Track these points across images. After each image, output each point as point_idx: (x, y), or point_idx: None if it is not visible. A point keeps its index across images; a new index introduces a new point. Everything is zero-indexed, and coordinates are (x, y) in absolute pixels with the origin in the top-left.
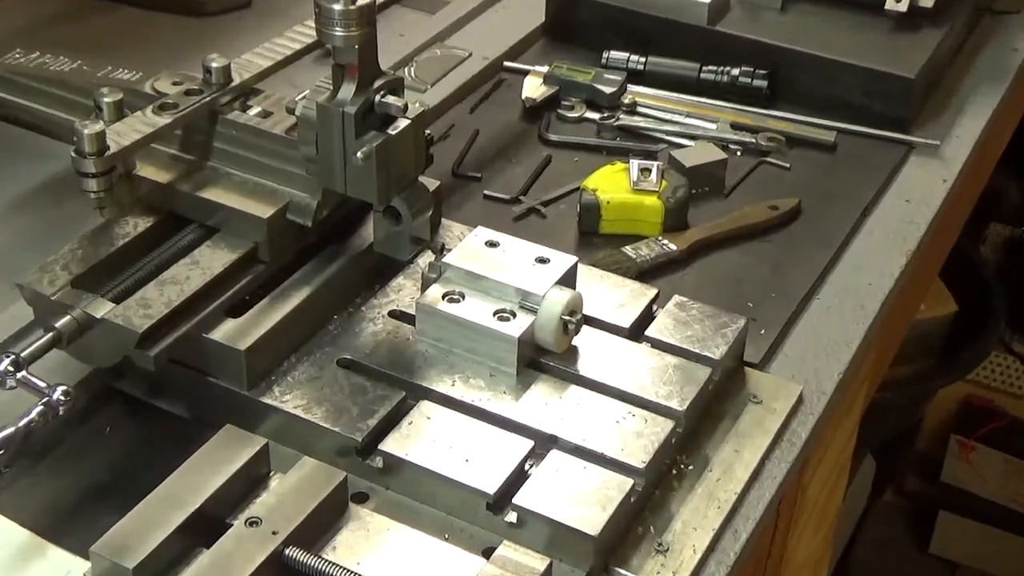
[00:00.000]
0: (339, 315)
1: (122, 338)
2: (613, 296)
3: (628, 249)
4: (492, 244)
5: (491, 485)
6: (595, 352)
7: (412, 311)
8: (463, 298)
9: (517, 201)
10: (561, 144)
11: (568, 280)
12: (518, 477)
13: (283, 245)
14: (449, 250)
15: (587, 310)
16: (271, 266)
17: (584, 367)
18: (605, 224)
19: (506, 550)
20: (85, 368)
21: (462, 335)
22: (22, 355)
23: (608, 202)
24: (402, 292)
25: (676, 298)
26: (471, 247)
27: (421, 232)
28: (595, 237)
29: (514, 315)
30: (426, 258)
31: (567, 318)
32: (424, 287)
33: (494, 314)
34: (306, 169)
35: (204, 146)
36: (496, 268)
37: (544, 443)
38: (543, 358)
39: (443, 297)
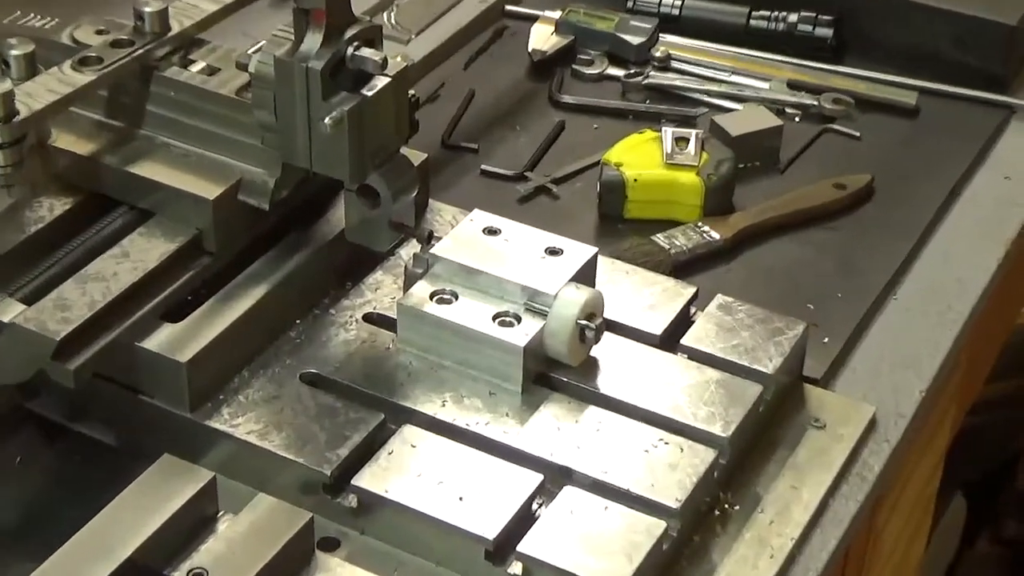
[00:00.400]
0: (303, 319)
1: (35, 348)
2: (641, 296)
3: (660, 238)
4: (492, 231)
5: (490, 529)
6: (619, 365)
7: (393, 314)
8: (456, 298)
9: (522, 178)
10: (577, 107)
11: (586, 276)
12: (524, 519)
13: (233, 233)
14: (438, 238)
15: (609, 313)
16: (219, 259)
17: (605, 383)
18: (632, 207)
19: None
20: None
21: (455, 344)
22: None
23: (635, 180)
24: (380, 291)
25: (719, 298)
26: (466, 235)
27: (404, 216)
28: (619, 223)
29: (518, 319)
30: (410, 249)
31: (584, 323)
32: (407, 285)
33: (494, 318)
34: (261, 139)
35: (135, 110)
36: (496, 261)
37: (556, 477)
38: (554, 372)
39: (431, 297)
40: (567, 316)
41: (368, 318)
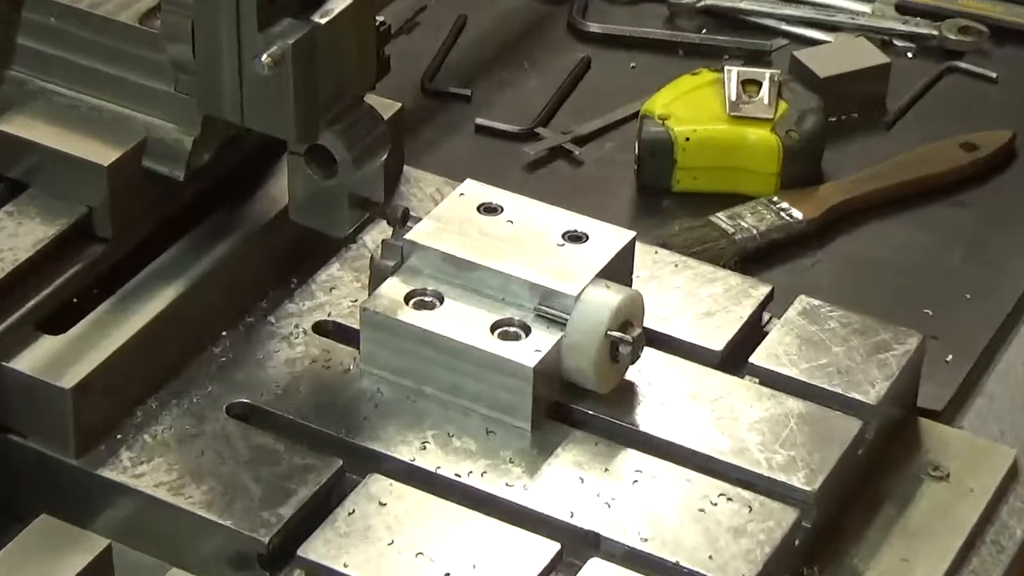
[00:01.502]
0: (230, 331)
1: None
2: (696, 298)
3: (721, 218)
4: (490, 209)
5: None
6: (664, 393)
7: (354, 323)
8: (440, 301)
9: (532, 136)
10: (607, 39)
11: (619, 271)
12: None
13: (135, 212)
14: (417, 219)
15: (650, 322)
16: (115, 248)
17: (646, 418)
18: (682, 176)
19: None
20: None
21: (439, 364)
22: None
23: (687, 138)
24: (336, 291)
25: (803, 300)
26: (455, 214)
27: (369, 189)
28: (665, 197)
29: (527, 330)
30: (378, 233)
31: (617, 336)
32: (374, 283)
33: (493, 329)
34: (175, 83)
35: (2, 44)
36: (497, 250)
37: (578, 546)
38: (576, 403)
39: (407, 300)
40: (594, 326)
41: (320, 328)
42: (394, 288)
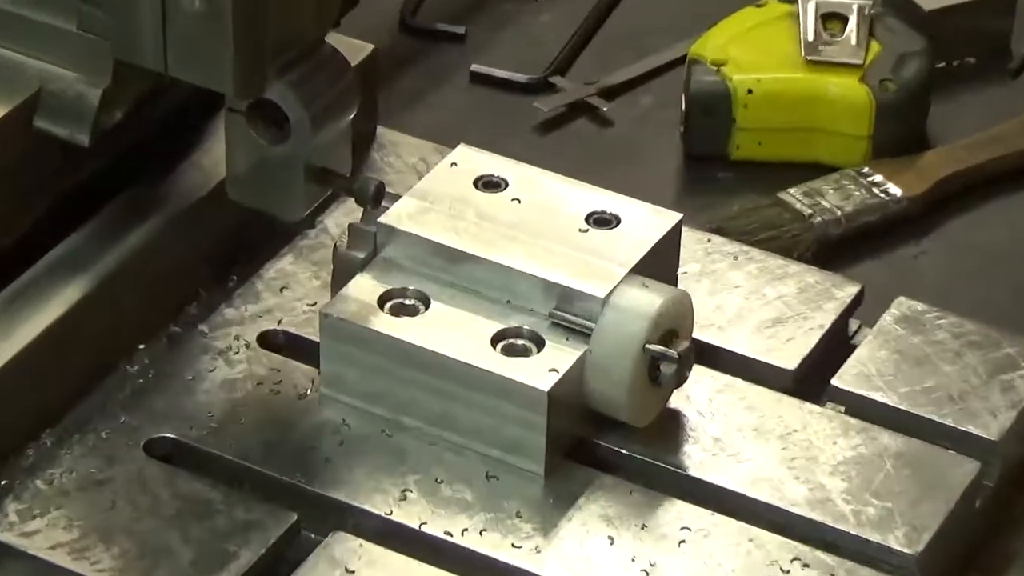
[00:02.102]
0: (149, 344)
1: None
2: (762, 300)
3: (795, 195)
4: (491, 184)
5: None
6: (720, 426)
7: (312, 334)
8: (426, 305)
9: (545, 87)
10: None
11: (661, 265)
12: None
13: (23, 190)
14: (395, 197)
15: (703, 332)
16: None
17: (696, 458)
18: (743, 140)
19: None
20: None
21: (424, 388)
22: None
23: (750, 90)
24: (289, 292)
25: (902, 304)
26: (445, 191)
27: (331, 158)
28: (721, 168)
29: (539, 343)
30: (342, 215)
31: (658, 350)
32: (339, 280)
33: (496, 341)
34: (78, 20)
35: None
36: (500, 238)
37: None
38: (604, 439)
39: (382, 303)
40: (628, 338)
41: (268, 341)
42: (365, 288)
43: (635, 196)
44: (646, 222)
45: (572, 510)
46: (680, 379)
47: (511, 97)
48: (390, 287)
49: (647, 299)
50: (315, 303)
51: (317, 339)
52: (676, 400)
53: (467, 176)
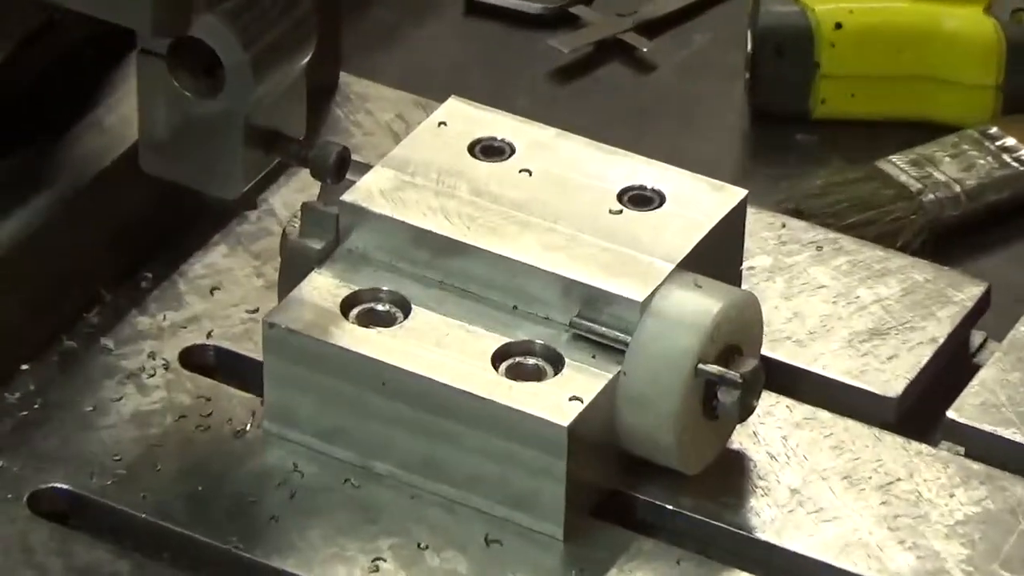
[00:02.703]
0: (35, 362)
1: None
2: (855, 305)
3: (899, 164)
4: (492, 149)
5: None
6: (799, 472)
7: (252, 350)
8: (404, 312)
9: (565, 19)
10: None
11: (719, 257)
12: None
13: None
14: (365, 166)
15: (775, 347)
16: None
17: (766, 517)
18: (830, 90)
19: None
20: None
21: (401, 423)
22: None
23: (839, 24)
24: (223, 293)
25: None
26: (430, 158)
27: (279, 116)
28: (799, 127)
29: (556, 362)
30: (293, 192)
31: (714, 371)
32: (288, 278)
33: (499, 360)
34: None
35: None
36: (503, 224)
37: None
38: (643, 490)
39: (346, 309)
40: (675, 356)
41: (193, 359)
42: (324, 289)
43: (685, 166)
44: (699, 201)
45: None
46: (745, 411)
47: (519, 33)
48: (357, 288)
49: (701, 304)
50: (256, 309)
51: (259, 357)
52: (739, 438)
53: (460, 139)
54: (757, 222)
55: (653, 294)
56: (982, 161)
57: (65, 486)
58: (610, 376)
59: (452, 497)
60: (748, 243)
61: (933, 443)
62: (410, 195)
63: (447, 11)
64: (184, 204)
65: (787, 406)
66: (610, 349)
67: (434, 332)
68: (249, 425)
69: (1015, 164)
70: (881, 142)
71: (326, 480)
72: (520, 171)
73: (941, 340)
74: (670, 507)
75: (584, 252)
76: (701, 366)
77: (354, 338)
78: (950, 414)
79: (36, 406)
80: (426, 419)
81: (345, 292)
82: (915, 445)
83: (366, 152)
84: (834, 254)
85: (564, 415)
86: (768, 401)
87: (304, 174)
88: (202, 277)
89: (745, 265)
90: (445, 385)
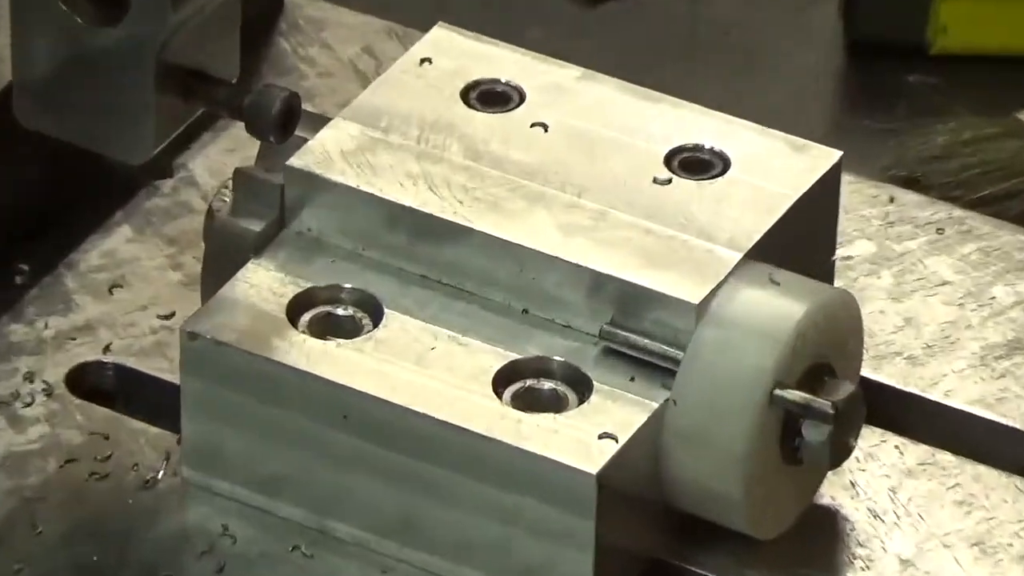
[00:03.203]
0: None
1: None
2: (988, 310)
3: None
4: (492, 96)
5: None
6: (916, 538)
7: (162, 371)
8: (374, 317)
9: None
10: None
11: (804, 245)
12: None
13: None
14: (321, 118)
15: (881, 366)
16: None
17: None
18: (952, 15)
19: None
20: None
21: (371, 471)
22: None
23: None
24: (125, 292)
25: None
26: (409, 107)
27: (203, 52)
28: (913, 68)
29: (581, 386)
30: (218, 153)
31: (795, 399)
32: (214, 271)
33: (502, 382)
34: None
35: None
36: (508, 197)
37: None
38: (697, 561)
39: (294, 313)
40: (743, 378)
41: (85, 382)
42: (265, 285)
43: (758, 118)
44: (776, 167)
45: None
46: (838, 453)
47: None
48: (310, 285)
49: (779, 307)
50: (172, 314)
51: (176, 380)
52: (831, 490)
53: (450, 82)
54: (855, 195)
55: (713, 294)
56: None
57: None
58: (654, 406)
59: (438, 571)
60: (843, 224)
61: None
62: (382, 158)
63: None
64: (74, 171)
65: (896, 446)
66: (654, 369)
67: (414, 345)
68: (162, 472)
69: None
70: (1020, 88)
71: (267, 546)
72: (532, 125)
73: None
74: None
75: (619, 236)
76: (779, 392)
77: (306, 353)
78: None
79: None
80: (403, 465)
81: (293, 290)
82: None
83: (322, 100)
84: (961, 239)
85: (592, 459)
86: (870, 440)
87: (237, 130)
88: (98, 270)
89: (839, 254)
90: (429, 418)
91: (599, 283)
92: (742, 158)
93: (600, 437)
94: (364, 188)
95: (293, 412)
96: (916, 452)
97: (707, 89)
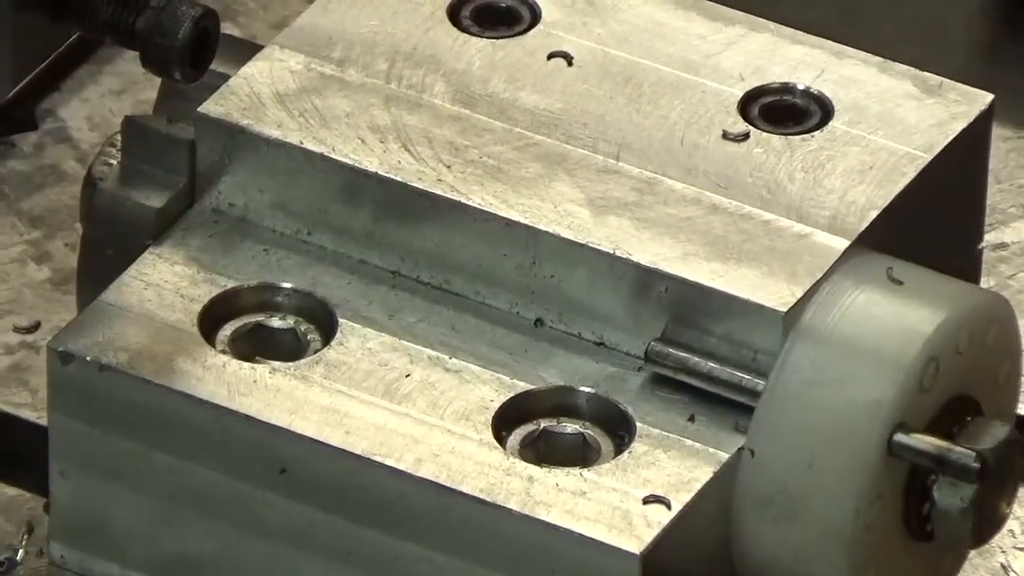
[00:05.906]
0: None
1: None
2: None
3: None
4: (493, 13)
5: None
6: None
7: (18, 406)
8: (323, 333)
9: None
10: None
11: (939, 228)
12: None
13: None
14: (252, 49)
15: None
16: None
17: None
18: None
19: None
20: None
21: (316, 546)
22: None
23: None
24: None
25: None
26: (372, 30)
27: None
28: None
29: (619, 429)
30: (101, 97)
31: (923, 447)
32: (96, 263)
33: (505, 424)
34: None
35: None
36: (518, 160)
37: None
38: None
39: (210, 325)
40: (853, 417)
41: None
42: (169, 284)
43: (876, 47)
44: (901, 115)
45: None
46: (985, 523)
47: None
48: (231, 284)
49: (901, 317)
50: (36, 325)
51: (40, 419)
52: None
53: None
54: (1015, 156)
55: (808, 299)
56: None
57: None
58: (723, 457)
59: None
60: (995, 198)
61: None
62: (335, 101)
63: None
64: None
65: None
66: (722, 404)
67: (381, 371)
68: (21, 551)
69: None
70: None
71: None
72: (549, 56)
73: None
74: None
75: (673, 215)
76: (902, 438)
77: (226, 382)
78: None
79: None
80: (365, 540)
81: (209, 292)
82: None
83: (249, 20)
84: None
85: (635, 534)
86: None
87: (128, 63)
88: None
89: (988, 241)
90: (404, 475)
91: (645, 282)
92: (850, 104)
93: (646, 502)
94: (309, 146)
95: (208, 466)
96: None
97: (798, 10)
